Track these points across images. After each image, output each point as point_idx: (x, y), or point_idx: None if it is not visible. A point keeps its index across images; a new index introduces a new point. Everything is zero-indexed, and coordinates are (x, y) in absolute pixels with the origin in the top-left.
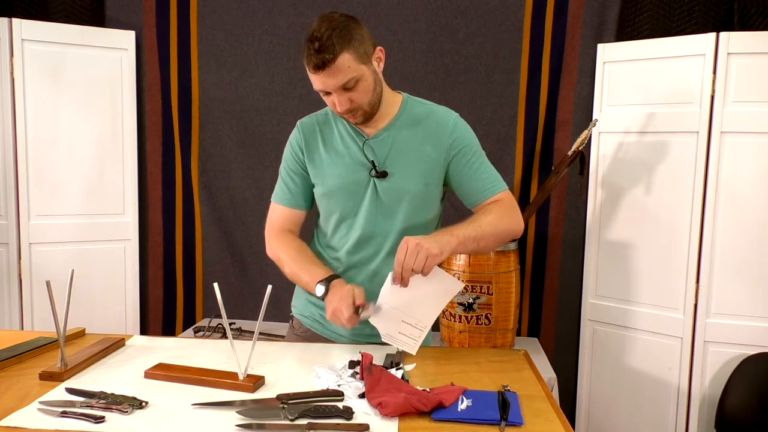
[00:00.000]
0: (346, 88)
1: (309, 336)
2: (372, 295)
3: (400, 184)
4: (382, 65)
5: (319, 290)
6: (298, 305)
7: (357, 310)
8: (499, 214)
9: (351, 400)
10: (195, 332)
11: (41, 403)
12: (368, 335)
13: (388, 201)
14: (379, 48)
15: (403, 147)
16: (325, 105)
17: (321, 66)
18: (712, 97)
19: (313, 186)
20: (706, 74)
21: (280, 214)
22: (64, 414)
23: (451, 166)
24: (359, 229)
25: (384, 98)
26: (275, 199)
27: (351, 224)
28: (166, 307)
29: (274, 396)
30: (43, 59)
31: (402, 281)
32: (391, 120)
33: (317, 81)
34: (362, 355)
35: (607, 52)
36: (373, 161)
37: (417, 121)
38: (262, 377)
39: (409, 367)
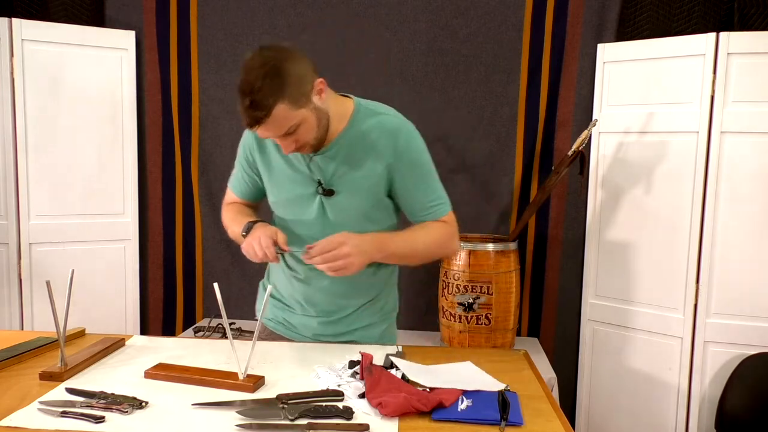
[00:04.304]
0: (287, 133)
1: (274, 339)
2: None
3: (347, 202)
4: (324, 95)
5: (244, 229)
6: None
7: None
8: (438, 238)
9: (351, 400)
10: (195, 332)
11: (41, 403)
12: (333, 335)
13: (336, 218)
14: (319, 81)
15: (350, 163)
16: None
17: (255, 124)
18: (712, 97)
19: (262, 187)
20: (706, 74)
21: (234, 198)
22: (64, 414)
23: (395, 181)
24: (309, 241)
25: (332, 115)
26: (230, 187)
27: (300, 236)
28: (166, 307)
29: (274, 396)
30: (43, 59)
31: (309, 260)
32: (339, 134)
33: (257, 132)
34: (362, 355)
35: (607, 52)
36: (319, 180)
37: (365, 134)
38: (262, 377)
39: None
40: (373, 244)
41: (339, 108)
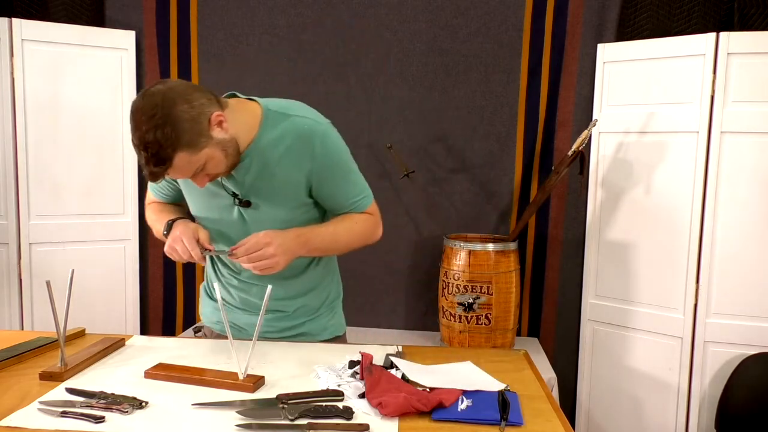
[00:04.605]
0: (196, 172)
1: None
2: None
3: (266, 213)
4: (225, 124)
5: (165, 228)
6: (206, 313)
7: (201, 248)
8: (362, 230)
9: (351, 400)
10: (195, 332)
11: (41, 403)
12: (282, 330)
13: (257, 225)
14: (215, 114)
15: (264, 173)
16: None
17: (158, 178)
18: (712, 97)
19: (180, 190)
20: (706, 74)
21: (155, 199)
22: (64, 414)
23: (315, 185)
24: (231, 241)
25: (240, 129)
26: (150, 188)
27: (222, 235)
28: (166, 307)
29: (274, 396)
30: (43, 59)
31: (235, 259)
32: (251, 145)
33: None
34: (362, 355)
35: (607, 52)
36: (235, 192)
37: (278, 140)
38: (262, 377)
39: None
40: (296, 240)
41: (247, 118)
